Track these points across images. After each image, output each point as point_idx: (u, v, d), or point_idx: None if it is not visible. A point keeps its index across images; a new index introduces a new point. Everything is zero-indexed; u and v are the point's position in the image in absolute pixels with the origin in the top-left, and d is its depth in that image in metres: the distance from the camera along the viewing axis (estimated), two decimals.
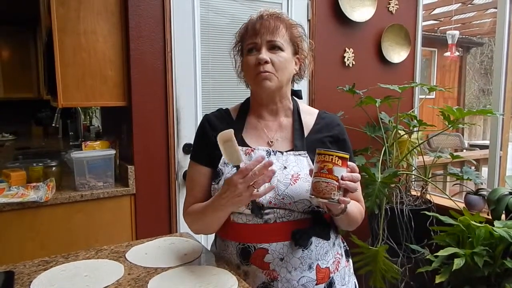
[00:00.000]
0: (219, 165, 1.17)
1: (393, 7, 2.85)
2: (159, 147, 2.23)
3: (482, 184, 2.43)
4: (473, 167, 2.64)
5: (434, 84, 8.80)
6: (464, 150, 6.04)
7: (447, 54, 5.18)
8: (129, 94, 2.14)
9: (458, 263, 1.76)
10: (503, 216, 2.08)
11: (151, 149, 2.21)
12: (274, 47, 1.15)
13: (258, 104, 1.24)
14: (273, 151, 1.17)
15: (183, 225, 2.29)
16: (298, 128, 1.21)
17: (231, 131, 1.02)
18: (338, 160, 0.99)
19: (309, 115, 1.26)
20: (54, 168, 2.19)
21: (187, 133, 2.29)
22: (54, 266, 1.18)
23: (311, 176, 1.02)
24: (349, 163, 1.00)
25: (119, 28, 2.10)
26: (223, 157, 1.15)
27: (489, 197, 2.14)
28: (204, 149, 1.23)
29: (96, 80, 2.07)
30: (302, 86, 2.55)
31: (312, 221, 1.14)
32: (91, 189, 2.09)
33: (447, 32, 5.12)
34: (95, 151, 2.18)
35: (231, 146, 1.02)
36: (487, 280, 1.82)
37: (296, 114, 1.24)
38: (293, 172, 1.12)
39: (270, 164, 0.99)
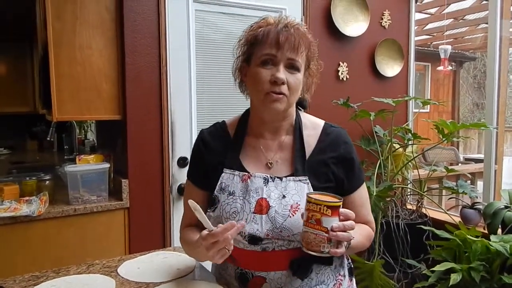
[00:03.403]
0: (215, 192, 1.10)
1: (385, 22, 2.89)
2: (154, 161, 2.22)
3: (477, 197, 2.43)
4: (468, 181, 2.64)
5: (428, 98, 8.88)
6: (459, 164, 6.06)
7: (440, 68, 5.24)
8: (124, 108, 2.14)
9: (455, 278, 1.75)
10: (499, 231, 2.08)
11: (146, 162, 2.20)
12: (292, 67, 1.04)
13: (258, 121, 1.14)
14: (271, 178, 1.08)
15: (177, 240, 2.26)
16: (299, 149, 1.10)
17: (195, 205, 0.97)
18: (327, 210, 0.90)
19: (313, 131, 1.14)
20: (47, 182, 2.17)
21: (182, 146, 2.29)
22: (45, 281, 1.16)
23: (302, 219, 0.95)
24: (341, 210, 0.93)
25: (115, 43, 2.11)
26: (219, 183, 1.11)
27: (485, 211, 2.14)
28: (198, 171, 1.18)
29: (91, 93, 2.08)
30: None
31: None
32: (84, 203, 2.07)
33: (440, 47, 5.18)
34: (89, 164, 2.16)
35: (199, 214, 0.98)
36: None
37: (298, 132, 1.13)
38: (292, 202, 1.03)
39: (243, 226, 0.98)
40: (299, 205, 1.03)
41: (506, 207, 2.09)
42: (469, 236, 1.89)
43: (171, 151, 2.26)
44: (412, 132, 2.64)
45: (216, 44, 2.35)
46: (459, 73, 9.76)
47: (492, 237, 1.89)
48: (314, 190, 1.06)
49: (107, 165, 2.17)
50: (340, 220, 0.93)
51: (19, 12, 3.13)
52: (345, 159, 1.12)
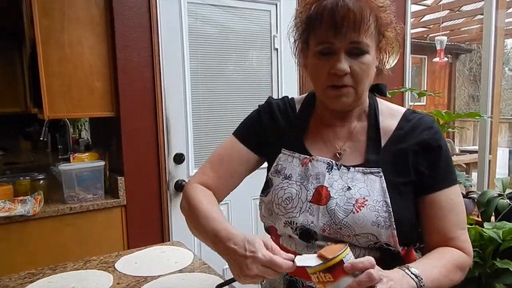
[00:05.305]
0: (269, 174, 0.97)
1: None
2: (150, 158, 2.21)
3: (471, 187, 2.45)
4: (463, 171, 2.66)
5: (425, 89, 8.89)
6: (455, 156, 6.08)
7: (436, 59, 5.25)
8: (117, 105, 2.12)
9: None
10: (492, 218, 2.10)
11: (141, 159, 2.19)
12: (356, 51, 0.85)
13: (324, 108, 0.98)
14: (336, 165, 0.91)
15: (175, 237, 2.26)
16: (373, 137, 0.93)
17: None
18: (326, 276, 0.68)
19: (391, 117, 0.95)
20: (42, 182, 2.15)
21: (177, 143, 2.28)
22: (41, 278, 1.16)
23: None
24: (348, 263, 0.68)
25: (105, 38, 2.08)
26: (274, 165, 0.97)
27: (479, 199, 2.16)
28: (255, 133, 1.03)
29: (83, 91, 2.05)
30: (294, 93, 2.56)
31: (380, 262, 0.79)
32: (80, 201, 2.06)
33: (436, 38, 5.20)
34: (83, 163, 2.15)
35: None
36: (478, 280, 1.82)
37: (373, 118, 0.95)
38: (358, 196, 0.86)
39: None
40: (366, 200, 0.85)
41: (499, 195, 2.11)
42: None
43: (167, 147, 2.25)
44: None
45: (210, 38, 2.33)
46: (455, 66, 9.80)
47: (486, 225, 1.90)
48: (389, 185, 0.87)
49: (102, 163, 2.16)
50: (356, 275, 0.69)
51: (4, 9, 3.09)
52: (429, 146, 0.89)
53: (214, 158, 1.04)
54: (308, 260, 0.72)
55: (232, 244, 0.79)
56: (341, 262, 0.68)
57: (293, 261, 0.74)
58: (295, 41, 0.96)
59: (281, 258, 0.74)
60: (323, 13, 0.84)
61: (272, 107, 1.03)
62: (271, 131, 1.00)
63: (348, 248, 0.70)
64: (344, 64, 0.84)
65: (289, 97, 1.06)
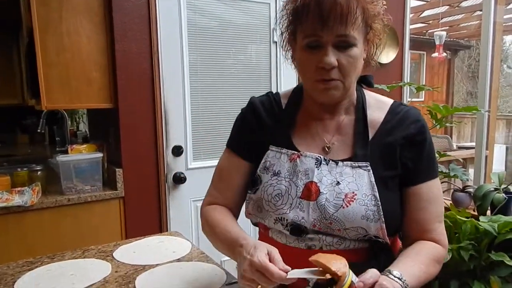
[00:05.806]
0: (258, 171, 0.97)
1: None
2: (148, 150, 2.21)
3: (468, 181, 2.46)
4: (460, 166, 2.67)
5: (423, 84, 8.90)
6: (452, 151, 6.11)
7: (435, 55, 5.27)
8: (115, 96, 2.11)
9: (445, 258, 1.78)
10: (488, 212, 2.12)
11: (140, 151, 2.19)
12: (343, 44, 0.85)
13: (312, 101, 0.98)
14: (325, 160, 0.91)
15: (173, 228, 2.27)
16: (361, 131, 0.93)
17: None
18: None
19: (378, 110, 0.96)
20: (39, 173, 2.15)
21: (176, 135, 2.28)
22: (39, 267, 1.17)
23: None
24: (363, 280, 0.73)
25: (103, 28, 2.06)
26: (262, 161, 0.97)
27: (475, 193, 2.17)
28: (242, 141, 1.03)
29: (81, 81, 2.04)
30: (294, 85, 2.55)
31: (369, 252, 0.89)
32: (78, 193, 2.06)
33: (435, 33, 5.20)
34: (81, 154, 2.15)
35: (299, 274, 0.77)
36: (473, 273, 1.84)
37: (361, 111, 0.96)
38: (347, 191, 0.87)
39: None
40: (355, 195, 0.87)
41: (495, 189, 2.12)
42: (459, 217, 1.91)
43: (165, 139, 2.25)
44: None
45: (209, 31, 2.32)
46: (454, 62, 9.81)
47: (481, 218, 1.92)
48: (377, 179, 0.88)
49: (100, 155, 2.16)
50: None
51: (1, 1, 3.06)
52: (415, 140, 0.91)
53: (216, 177, 1.07)
54: (302, 275, 0.75)
55: (241, 247, 0.83)
56: (352, 283, 0.71)
57: (287, 273, 0.76)
58: (281, 33, 0.95)
59: (276, 268, 0.75)
60: (309, 5, 0.84)
61: (255, 106, 1.03)
62: (258, 130, 1.01)
63: (348, 267, 0.73)
64: (332, 58, 0.85)
65: (274, 92, 1.06)
